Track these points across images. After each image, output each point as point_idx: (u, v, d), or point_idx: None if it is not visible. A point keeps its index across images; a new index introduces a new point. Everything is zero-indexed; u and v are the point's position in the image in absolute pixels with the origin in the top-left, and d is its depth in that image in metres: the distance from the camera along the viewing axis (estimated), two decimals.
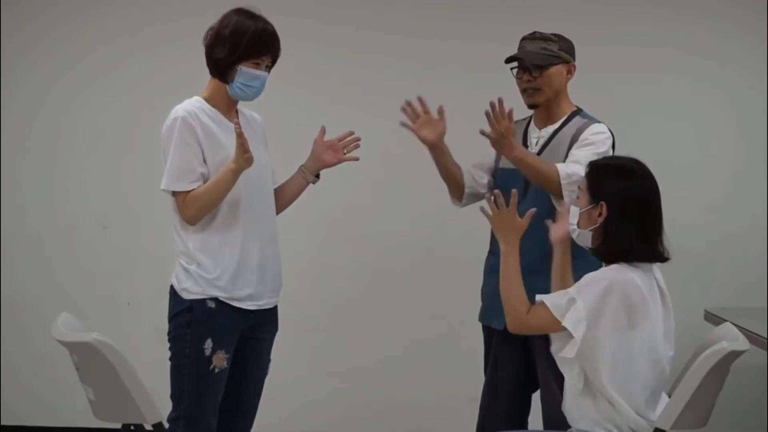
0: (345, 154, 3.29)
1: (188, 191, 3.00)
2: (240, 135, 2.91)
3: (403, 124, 3.31)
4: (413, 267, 4.59)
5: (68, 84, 4.69)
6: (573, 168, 3.15)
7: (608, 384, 2.63)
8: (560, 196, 3.16)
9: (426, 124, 3.30)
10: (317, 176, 3.32)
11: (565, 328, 2.63)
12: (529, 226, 2.86)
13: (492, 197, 2.82)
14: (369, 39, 4.57)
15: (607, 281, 2.62)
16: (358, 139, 3.30)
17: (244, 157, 2.94)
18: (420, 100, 3.30)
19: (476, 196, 3.46)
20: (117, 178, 4.67)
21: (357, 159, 3.32)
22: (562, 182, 3.14)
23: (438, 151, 3.36)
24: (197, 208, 3.01)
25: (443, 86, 4.47)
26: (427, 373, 4.60)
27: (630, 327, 2.62)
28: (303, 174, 3.30)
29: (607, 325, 2.61)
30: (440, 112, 3.29)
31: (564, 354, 2.65)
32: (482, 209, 2.86)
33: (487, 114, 3.11)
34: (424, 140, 3.32)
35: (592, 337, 2.62)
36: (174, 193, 3.03)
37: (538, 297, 2.73)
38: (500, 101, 3.10)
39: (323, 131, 3.29)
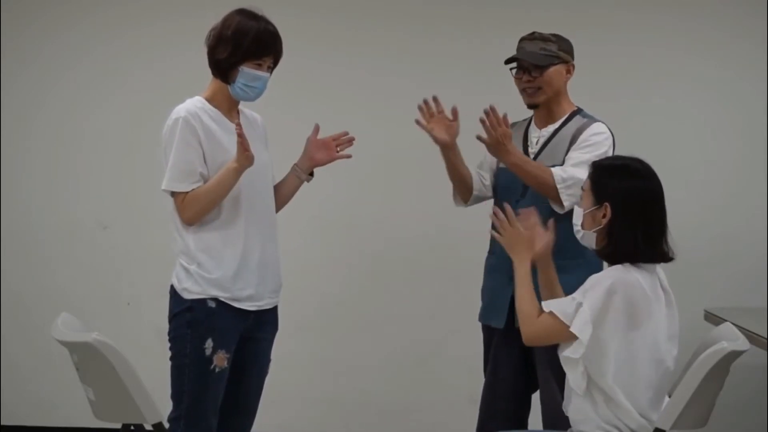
0: (338, 152, 3.28)
1: (188, 192, 3.00)
2: (240, 135, 2.91)
3: (417, 122, 3.28)
4: (413, 267, 4.58)
5: (68, 84, 4.69)
6: (570, 171, 3.14)
7: (613, 384, 2.62)
8: (558, 201, 3.15)
9: (439, 124, 3.26)
10: (311, 174, 3.31)
11: (573, 335, 2.60)
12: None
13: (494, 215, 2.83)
14: (370, 39, 4.57)
15: (611, 281, 2.61)
16: (352, 139, 3.29)
17: (245, 155, 2.93)
18: (435, 99, 3.27)
19: (481, 198, 3.46)
20: (117, 177, 4.67)
21: (349, 156, 3.30)
22: (558, 187, 3.13)
23: (450, 151, 3.33)
24: (197, 209, 3.00)
25: (444, 86, 4.45)
26: (427, 373, 4.60)
27: (633, 327, 2.61)
28: (296, 173, 3.29)
29: (611, 325, 2.60)
30: (454, 113, 3.26)
31: (568, 354, 2.62)
32: (493, 234, 2.88)
33: (482, 121, 3.10)
34: (437, 140, 3.28)
35: (597, 338, 2.60)
36: (173, 194, 3.02)
37: (545, 305, 2.71)
38: (493, 108, 3.08)
39: (317, 129, 3.28)
